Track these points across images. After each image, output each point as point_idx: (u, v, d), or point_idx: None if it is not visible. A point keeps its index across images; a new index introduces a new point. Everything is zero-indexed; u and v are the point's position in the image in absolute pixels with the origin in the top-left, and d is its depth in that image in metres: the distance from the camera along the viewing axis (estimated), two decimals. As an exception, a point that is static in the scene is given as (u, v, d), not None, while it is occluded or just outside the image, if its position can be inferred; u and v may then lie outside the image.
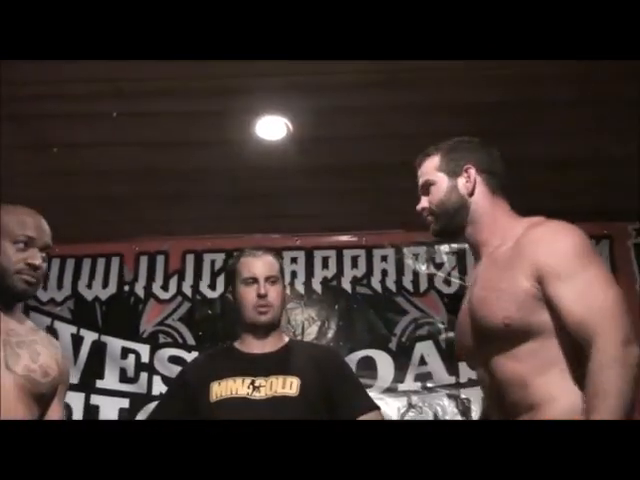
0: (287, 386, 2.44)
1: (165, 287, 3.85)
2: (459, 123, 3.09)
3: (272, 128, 3.26)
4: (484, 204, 2.01)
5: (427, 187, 2.06)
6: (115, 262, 3.89)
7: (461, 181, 2.01)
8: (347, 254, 3.84)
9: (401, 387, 3.59)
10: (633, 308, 3.50)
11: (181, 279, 3.85)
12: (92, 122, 3.12)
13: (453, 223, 2.03)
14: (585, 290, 1.78)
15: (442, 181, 2.03)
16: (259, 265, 2.57)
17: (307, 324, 3.73)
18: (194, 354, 3.66)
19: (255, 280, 2.54)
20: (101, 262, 3.89)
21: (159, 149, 3.30)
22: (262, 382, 2.44)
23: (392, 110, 3.09)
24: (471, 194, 2.01)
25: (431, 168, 2.06)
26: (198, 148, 3.29)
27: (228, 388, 2.45)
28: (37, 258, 2.04)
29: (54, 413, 2.12)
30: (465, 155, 2.05)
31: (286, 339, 2.63)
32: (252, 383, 2.44)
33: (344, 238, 3.87)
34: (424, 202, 2.06)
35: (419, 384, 3.61)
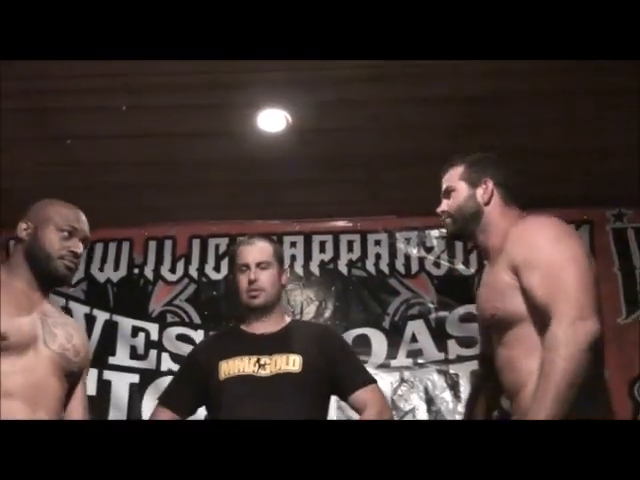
0: (290, 363, 2.45)
1: (172, 270, 3.85)
2: (450, 115, 3.12)
3: (272, 120, 3.25)
4: (496, 214, 2.09)
5: (449, 192, 2.16)
6: (125, 246, 3.89)
7: (479, 191, 2.11)
8: (343, 239, 3.84)
9: (394, 363, 3.60)
10: (611, 288, 3.57)
11: (187, 262, 3.85)
12: (103, 115, 3.11)
13: (468, 227, 2.12)
14: (548, 276, 1.84)
15: (462, 189, 2.13)
16: (250, 252, 2.60)
17: (305, 304, 3.73)
18: (200, 332, 3.68)
19: (247, 266, 2.56)
20: (112, 246, 3.89)
21: (167, 141, 3.29)
22: (267, 360, 2.45)
23: (387, 103, 3.08)
24: (487, 204, 2.10)
25: (454, 176, 2.17)
26: (203, 140, 3.29)
27: (236, 366, 2.46)
28: (79, 247, 2.11)
29: (79, 393, 2.17)
30: (485, 168, 2.14)
31: (288, 320, 2.65)
32: (258, 361, 2.45)
33: (340, 224, 3.87)
34: (444, 205, 2.17)
35: (410, 360, 3.62)
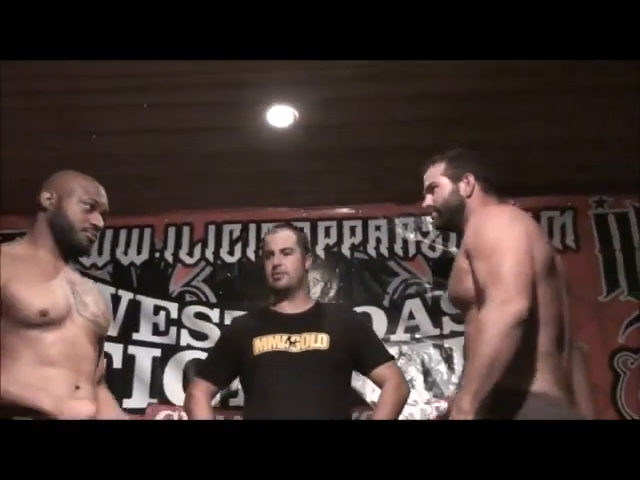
0: (319, 341, 2.54)
1: (190, 253, 3.86)
2: (442, 110, 3.15)
3: (281, 116, 3.27)
4: (477, 205, 2.09)
5: (432, 188, 2.17)
6: (147, 232, 3.91)
7: (462, 185, 2.12)
8: (346, 224, 3.86)
9: (393, 338, 3.61)
10: (593, 269, 3.58)
11: (204, 246, 3.87)
12: (125, 112, 3.15)
13: (454, 219, 2.13)
14: (488, 262, 1.84)
15: (446, 184, 2.14)
16: (274, 240, 2.66)
17: (312, 285, 3.74)
18: (215, 310, 3.70)
19: (272, 253, 2.62)
20: (135, 232, 3.91)
21: (184, 135, 3.31)
22: (297, 338, 2.53)
23: (385, 100, 3.10)
24: (469, 196, 2.11)
25: (436, 173, 2.17)
26: (217, 134, 3.31)
27: (269, 343, 2.53)
28: (99, 220, 2.08)
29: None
30: (466, 164, 2.15)
31: (313, 301, 2.71)
32: (289, 339, 2.53)
33: (343, 211, 3.89)
34: (429, 200, 2.18)
35: (408, 335, 3.63)
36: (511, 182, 3.53)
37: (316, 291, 3.76)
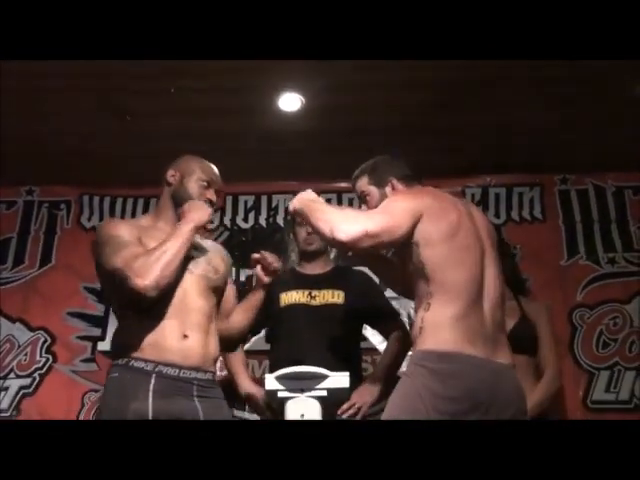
0: (335, 297, 2.56)
1: (211, 220, 3.84)
2: (431, 95, 3.12)
3: (290, 102, 3.25)
4: None
5: (364, 197, 2.12)
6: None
7: (388, 189, 2.05)
8: (345, 197, 3.82)
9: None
10: (556, 236, 3.57)
11: (222, 214, 3.83)
12: (156, 96, 3.12)
13: None
14: None
15: (374, 192, 2.08)
16: None
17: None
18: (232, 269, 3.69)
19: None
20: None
21: (203, 116, 3.27)
22: (317, 293, 2.56)
23: (381, 86, 3.07)
24: None
25: (364, 184, 2.11)
26: (234, 116, 3.27)
27: (292, 297, 2.58)
28: (213, 196, 2.13)
29: (228, 294, 2.23)
30: (385, 170, 2.09)
31: (332, 264, 2.72)
32: (309, 294, 2.56)
33: (343, 184, 3.80)
34: (364, 208, 2.10)
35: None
36: (491, 162, 3.57)
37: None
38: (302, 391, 1.88)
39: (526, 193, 3.74)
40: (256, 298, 2.24)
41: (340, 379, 1.90)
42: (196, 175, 2.12)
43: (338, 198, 3.83)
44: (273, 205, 3.86)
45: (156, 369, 1.88)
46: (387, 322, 2.62)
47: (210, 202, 2.10)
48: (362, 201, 2.15)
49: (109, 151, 3.51)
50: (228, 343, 2.30)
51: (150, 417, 1.81)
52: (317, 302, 2.55)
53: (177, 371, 1.90)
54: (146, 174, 3.88)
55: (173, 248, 1.89)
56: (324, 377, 1.89)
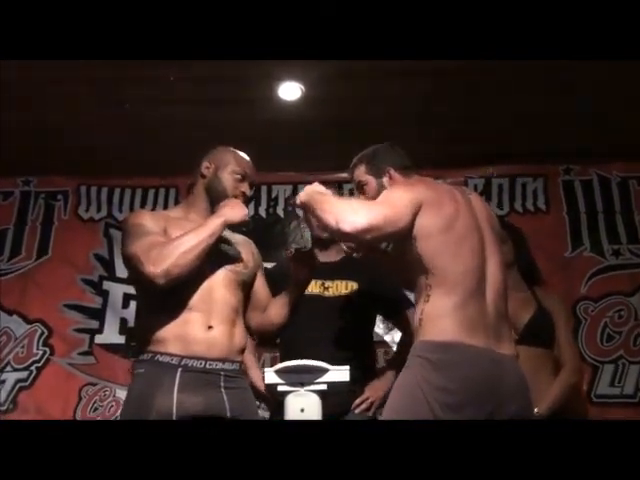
0: (349, 288, 2.53)
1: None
2: (432, 85, 3.10)
3: (290, 91, 3.24)
4: None
5: (362, 187, 2.11)
6: (172, 192, 3.88)
7: (385, 179, 2.05)
8: (345, 187, 3.79)
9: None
10: (560, 228, 3.57)
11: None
12: (153, 85, 3.11)
13: None
14: None
15: (372, 181, 2.08)
16: None
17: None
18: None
19: None
20: (162, 192, 3.88)
21: (202, 106, 3.27)
22: (330, 284, 2.54)
23: (382, 74, 3.05)
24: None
25: (361, 173, 2.11)
26: (235, 106, 3.26)
27: None
28: (247, 189, 2.11)
29: (260, 287, 2.22)
30: (383, 159, 2.08)
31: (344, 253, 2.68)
32: (322, 284, 2.53)
33: (343, 175, 3.76)
34: (362, 198, 2.09)
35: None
36: (494, 151, 3.57)
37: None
38: (302, 385, 1.87)
39: (529, 184, 3.73)
40: (293, 293, 2.21)
41: (340, 373, 1.90)
42: (230, 167, 2.11)
43: (339, 189, 3.82)
44: (273, 196, 3.86)
45: (182, 362, 1.89)
46: (401, 313, 2.60)
47: (244, 195, 2.11)
48: (359, 190, 2.14)
49: (107, 141, 3.50)
50: (264, 337, 2.32)
51: (174, 412, 1.83)
52: (330, 293, 2.53)
53: (203, 363, 1.91)
54: (144, 164, 3.95)
55: (194, 239, 1.89)
56: (324, 371, 1.89)
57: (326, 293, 2.53)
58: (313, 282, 2.49)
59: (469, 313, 1.77)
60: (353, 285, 2.55)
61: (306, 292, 2.45)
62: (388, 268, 2.28)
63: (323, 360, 1.93)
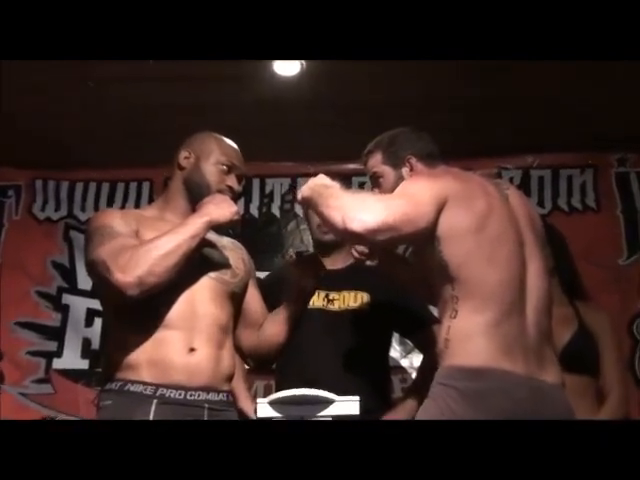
0: (358, 300, 2.50)
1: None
2: (452, 64, 3.07)
3: (287, 65, 3.22)
4: None
5: (377, 179, 2.11)
6: (146, 186, 3.87)
7: (405, 170, 2.04)
8: (355, 181, 3.81)
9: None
10: (613, 229, 3.57)
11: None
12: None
13: None
14: None
15: (389, 173, 2.08)
16: None
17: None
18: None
19: None
20: (133, 187, 3.88)
21: (185, 84, 3.25)
22: (335, 296, 2.50)
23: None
24: None
25: (377, 163, 2.11)
26: (220, 83, 3.24)
27: None
28: (235, 183, 2.10)
29: (253, 300, 2.21)
30: (403, 147, 2.08)
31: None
32: (327, 296, 2.50)
33: (352, 166, 3.75)
34: (375, 192, 2.10)
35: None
36: (528, 138, 3.55)
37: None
38: (302, 419, 1.88)
39: (576, 176, 3.73)
40: (294, 307, 2.19)
41: (349, 405, 1.90)
42: (214, 157, 2.10)
43: (347, 182, 3.82)
44: (267, 191, 3.87)
45: (157, 393, 1.87)
46: (423, 331, 2.53)
47: (231, 190, 2.09)
48: (373, 183, 2.14)
49: (68, 126, 3.51)
50: (259, 361, 2.30)
51: None
52: (336, 307, 2.50)
53: (183, 393, 1.89)
54: (112, 154, 3.94)
55: (172, 242, 1.86)
56: (330, 402, 1.89)
57: (331, 307, 2.50)
58: (315, 294, 2.46)
59: (506, 331, 1.75)
60: (363, 296, 2.51)
61: (308, 305, 2.42)
62: (406, 277, 2.26)
63: (328, 389, 1.92)
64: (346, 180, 3.76)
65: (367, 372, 2.39)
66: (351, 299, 2.51)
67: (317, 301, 2.49)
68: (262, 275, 2.74)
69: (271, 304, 2.27)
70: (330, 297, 2.51)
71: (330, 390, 1.90)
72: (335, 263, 2.56)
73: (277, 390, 2.44)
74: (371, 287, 2.51)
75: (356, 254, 2.18)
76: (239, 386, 2.52)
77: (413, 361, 3.39)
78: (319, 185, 1.95)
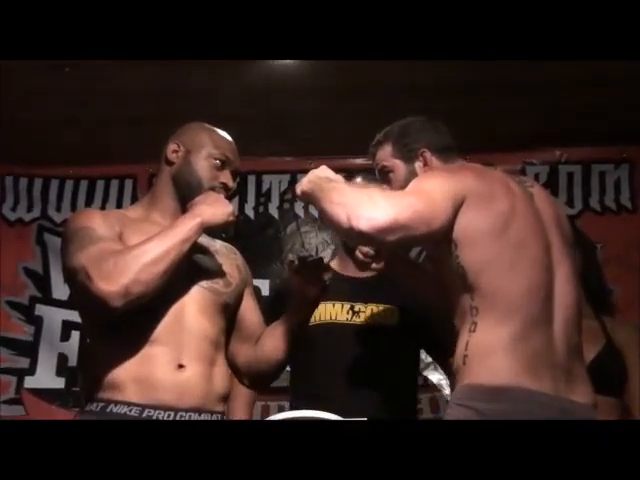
0: (387, 315, 2.47)
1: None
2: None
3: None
4: None
5: (387, 174, 2.10)
6: (129, 184, 3.92)
7: (418, 165, 2.05)
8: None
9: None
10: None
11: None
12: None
13: None
14: None
15: (400, 167, 2.08)
16: None
17: (321, 247, 3.75)
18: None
19: None
20: (114, 184, 3.91)
21: (173, 69, 3.24)
22: (361, 308, 2.47)
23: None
24: None
25: (387, 156, 2.11)
26: (209, 67, 3.21)
27: (327, 312, 2.48)
28: (229, 179, 2.10)
29: (249, 311, 2.21)
30: (417, 138, 2.07)
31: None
32: (352, 308, 2.47)
33: (358, 161, 3.80)
34: (385, 188, 2.09)
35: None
36: (558, 129, 3.56)
37: (326, 255, 3.74)
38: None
39: (610, 172, 3.76)
40: (296, 319, 2.16)
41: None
42: (206, 150, 2.09)
43: (351, 179, 3.84)
44: (264, 189, 3.90)
45: (144, 414, 1.87)
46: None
47: (225, 188, 2.08)
48: (383, 178, 2.13)
49: (42, 117, 3.52)
50: (256, 379, 2.27)
51: None
52: (361, 320, 2.45)
53: (172, 414, 1.89)
54: (92, 147, 3.93)
55: (161, 247, 1.85)
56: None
57: (355, 320, 2.46)
58: (339, 305, 2.47)
59: (532, 346, 1.76)
60: (393, 310, 2.48)
61: (328, 319, 2.45)
62: (418, 286, 2.26)
63: (349, 412, 1.91)
64: (352, 176, 3.84)
65: (394, 393, 2.38)
66: (379, 313, 2.47)
67: (341, 314, 2.47)
68: (258, 283, 2.74)
69: (270, 315, 2.26)
70: (356, 309, 2.47)
71: (352, 413, 1.89)
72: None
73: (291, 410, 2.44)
74: (401, 300, 2.47)
75: (360, 256, 2.18)
76: (242, 410, 2.60)
77: (440, 378, 3.43)
78: (321, 178, 1.91)
